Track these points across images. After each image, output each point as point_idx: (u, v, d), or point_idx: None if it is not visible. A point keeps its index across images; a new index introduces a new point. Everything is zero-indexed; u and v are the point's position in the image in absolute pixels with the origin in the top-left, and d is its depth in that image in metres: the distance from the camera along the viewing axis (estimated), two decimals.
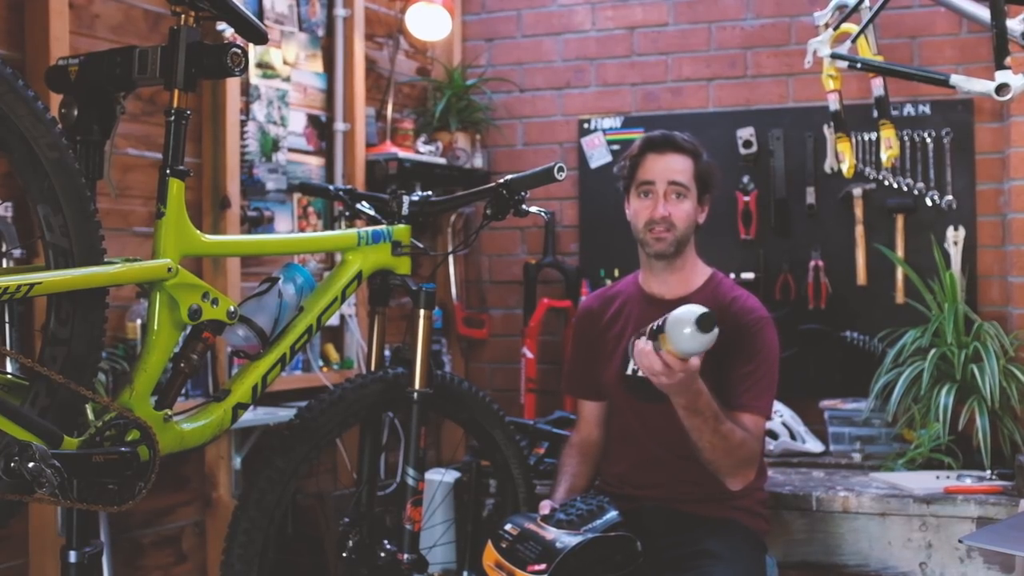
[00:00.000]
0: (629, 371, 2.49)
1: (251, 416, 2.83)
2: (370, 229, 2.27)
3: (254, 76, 3.16)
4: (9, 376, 1.84)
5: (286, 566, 2.88)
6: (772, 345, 2.48)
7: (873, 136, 3.50)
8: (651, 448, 2.49)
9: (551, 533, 2.14)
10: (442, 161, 3.83)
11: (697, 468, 2.45)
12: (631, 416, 2.53)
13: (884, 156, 3.16)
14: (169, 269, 1.81)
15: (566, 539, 2.11)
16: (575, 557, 2.09)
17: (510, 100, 4.08)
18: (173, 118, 1.83)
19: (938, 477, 2.95)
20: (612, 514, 2.23)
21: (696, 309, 2.05)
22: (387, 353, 2.40)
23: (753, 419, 2.41)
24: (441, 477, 3.13)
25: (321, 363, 3.34)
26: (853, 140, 3.52)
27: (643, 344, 2.12)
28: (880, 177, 3.56)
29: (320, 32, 3.45)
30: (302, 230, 3.34)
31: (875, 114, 3.15)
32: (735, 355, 2.43)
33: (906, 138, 3.52)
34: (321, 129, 3.46)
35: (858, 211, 3.55)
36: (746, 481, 2.41)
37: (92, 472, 1.70)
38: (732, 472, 2.37)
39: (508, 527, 2.21)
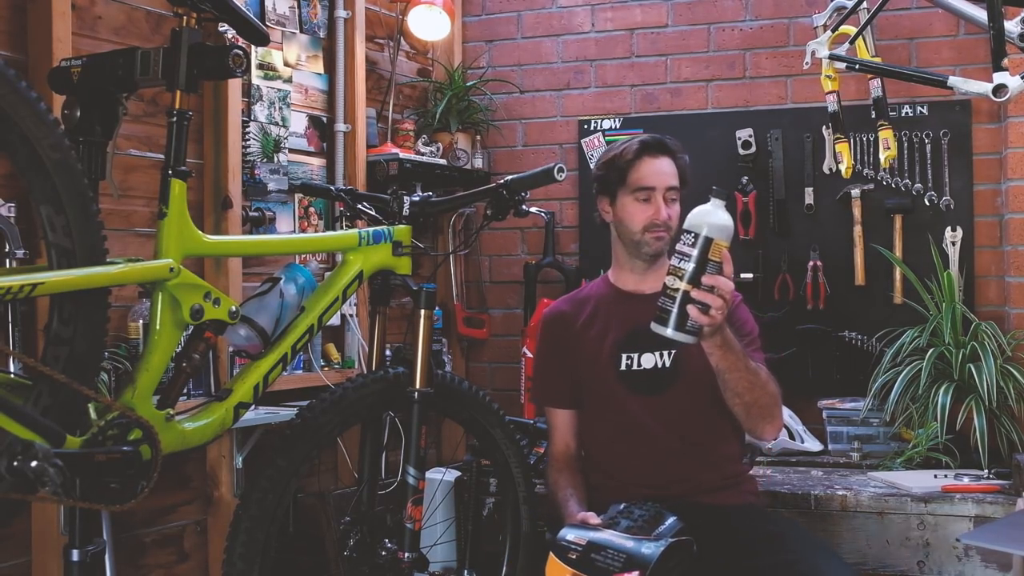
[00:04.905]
0: (623, 368, 2.50)
1: (252, 415, 2.84)
2: (371, 229, 2.28)
3: (255, 77, 3.17)
4: (12, 375, 1.85)
5: (287, 565, 2.89)
6: (751, 319, 2.52)
7: (871, 137, 3.51)
8: (667, 440, 2.48)
9: (629, 541, 2.06)
10: (442, 162, 3.84)
11: (713, 453, 2.47)
12: (638, 412, 2.51)
13: (882, 157, 3.19)
14: (171, 269, 1.82)
15: (650, 546, 2.04)
16: (662, 564, 2.01)
17: (510, 101, 4.09)
18: (175, 119, 1.84)
19: (936, 476, 2.96)
20: (672, 518, 2.16)
21: (706, 208, 2.09)
22: (388, 353, 2.41)
23: (760, 366, 2.39)
24: (441, 476, 3.13)
25: (322, 363, 3.35)
26: (851, 141, 3.53)
27: (712, 280, 2.06)
28: (878, 178, 3.57)
29: (321, 33, 3.46)
30: (303, 230, 3.35)
31: (873, 115, 3.18)
32: None
33: (904, 139, 3.53)
34: (322, 130, 3.47)
35: (856, 211, 3.56)
36: (777, 431, 2.43)
37: (94, 471, 1.71)
38: (766, 415, 2.35)
39: (571, 537, 2.09)
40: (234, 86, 3.01)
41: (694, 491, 2.44)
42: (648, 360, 2.49)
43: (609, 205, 2.55)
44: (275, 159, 3.21)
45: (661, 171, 2.49)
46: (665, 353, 2.48)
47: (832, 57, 2.71)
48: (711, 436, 2.48)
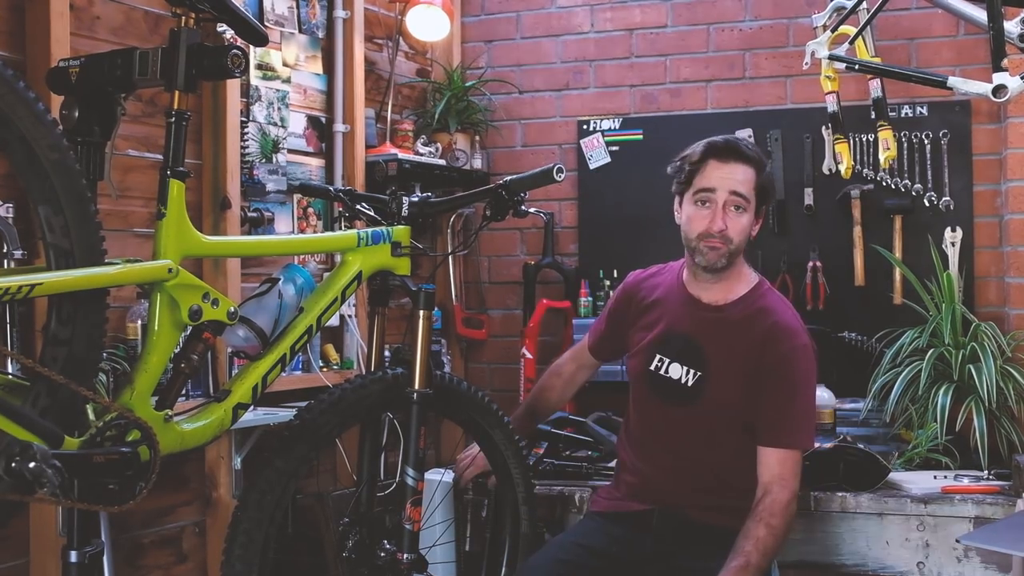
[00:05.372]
0: (653, 367, 2.50)
1: (251, 416, 2.83)
2: (370, 230, 2.28)
3: (254, 78, 3.17)
4: (10, 376, 1.84)
5: (286, 566, 2.89)
6: (808, 377, 2.42)
7: (871, 137, 3.51)
8: (669, 449, 2.49)
9: None
10: (441, 162, 3.83)
11: (707, 478, 2.45)
12: (654, 411, 2.52)
13: (882, 157, 3.18)
14: (170, 270, 1.82)
15: None
16: None
17: (509, 101, 4.09)
18: (173, 119, 1.83)
19: (936, 477, 2.95)
20: None
21: None
22: (387, 353, 2.41)
23: (781, 456, 2.36)
24: (440, 477, 3.13)
25: (321, 363, 3.35)
26: (851, 141, 3.52)
27: None
28: (878, 178, 3.57)
29: (320, 34, 3.46)
30: (302, 231, 3.35)
31: (873, 115, 3.17)
32: (768, 381, 2.38)
33: (904, 139, 3.53)
34: (321, 130, 3.47)
35: (856, 212, 3.56)
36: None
37: (93, 472, 1.70)
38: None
39: None
40: (233, 86, 3.01)
41: (677, 505, 2.45)
42: (676, 371, 2.47)
43: (679, 206, 2.47)
44: (274, 159, 3.21)
45: (727, 175, 2.37)
46: (693, 372, 2.44)
47: (832, 57, 2.70)
48: (705, 464, 2.45)
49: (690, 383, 2.44)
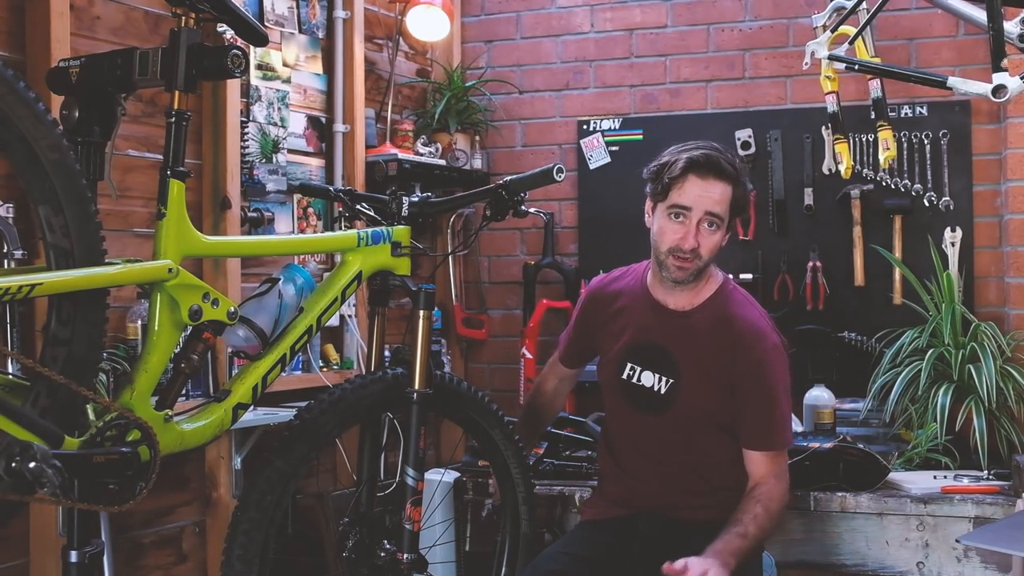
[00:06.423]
0: (624, 375, 2.50)
1: (251, 416, 2.83)
2: (370, 230, 2.28)
3: (254, 78, 3.17)
4: (10, 376, 1.85)
5: (286, 566, 2.89)
6: (783, 376, 2.43)
7: (871, 137, 3.51)
8: (647, 456, 2.49)
9: None
10: (441, 162, 3.83)
11: (700, 477, 2.45)
12: (630, 420, 2.52)
13: (882, 157, 3.18)
14: (170, 270, 1.82)
15: None
16: None
17: (509, 101, 4.09)
18: (173, 119, 1.84)
19: (935, 477, 2.96)
20: None
21: None
22: (387, 353, 2.41)
23: (766, 458, 2.38)
24: (440, 477, 3.13)
25: (321, 363, 3.35)
26: (851, 141, 3.52)
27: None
28: (878, 178, 3.57)
29: (320, 34, 3.46)
30: (302, 231, 3.35)
31: (873, 115, 3.17)
32: (745, 386, 2.39)
33: (903, 139, 3.53)
34: (321, 130, 3.47)
35: (856, 212, 3.56)
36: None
37: (93, 472, 1.71)
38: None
39: None
40: (233, 86, 3.01)
41: (665, 508, 2.45)
42: (647, 379, 2.46)
43: (652, 211, 2.45)
44: (274, 159, 3.21)
45: (704, 194, 2.33)
46: (664, 379, 2.43)
47: (832, 58, 2.70)
48: (689, 467, 2.45)
49: (663, 390, 2.43)
